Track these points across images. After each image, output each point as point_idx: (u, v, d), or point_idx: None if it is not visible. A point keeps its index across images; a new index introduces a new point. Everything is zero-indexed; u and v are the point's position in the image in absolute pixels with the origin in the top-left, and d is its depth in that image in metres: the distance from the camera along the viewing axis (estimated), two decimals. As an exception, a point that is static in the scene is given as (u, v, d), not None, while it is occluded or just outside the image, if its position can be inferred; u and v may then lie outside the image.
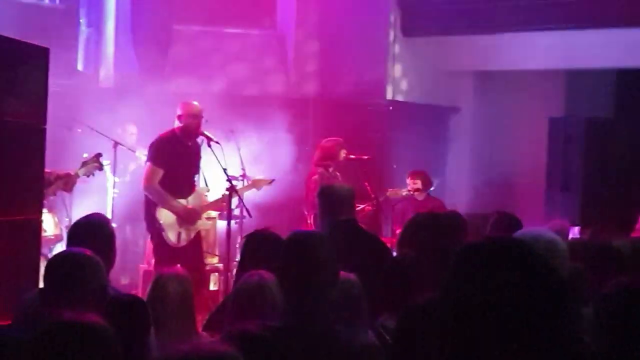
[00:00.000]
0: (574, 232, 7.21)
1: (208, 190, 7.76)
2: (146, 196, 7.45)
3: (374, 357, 3.27)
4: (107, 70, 10.44)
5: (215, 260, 8.70)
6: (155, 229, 7.36)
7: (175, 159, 7.35)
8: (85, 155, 7.48)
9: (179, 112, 7.44)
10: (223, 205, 7.87)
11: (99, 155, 7.44)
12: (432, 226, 5.26)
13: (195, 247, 7.54)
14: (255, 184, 8.15)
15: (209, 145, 7.62)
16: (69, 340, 2.50)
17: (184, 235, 7.39)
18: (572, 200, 10.71)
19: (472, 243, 1.79)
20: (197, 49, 10.91)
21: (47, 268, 3.82)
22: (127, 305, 3.62)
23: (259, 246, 4.51)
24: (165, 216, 7.33)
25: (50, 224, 8.06)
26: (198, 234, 7.59)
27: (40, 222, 6.24)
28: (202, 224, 7.67)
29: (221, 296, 8.00)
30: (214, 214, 8.70)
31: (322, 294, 3.21)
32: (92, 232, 4.41)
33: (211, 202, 7.71)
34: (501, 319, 1.68)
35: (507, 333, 1.67)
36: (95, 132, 8.80)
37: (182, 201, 7.45)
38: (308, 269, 3.22)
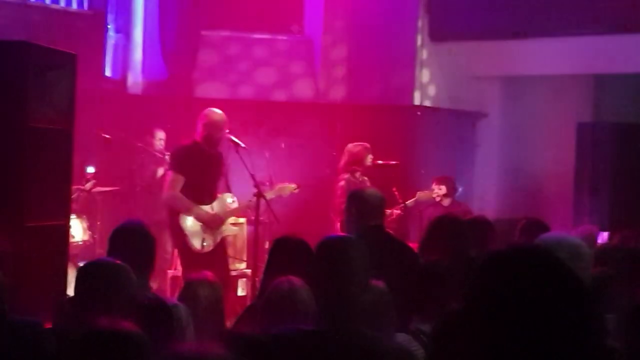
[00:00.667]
0: (603, 237, 7.15)
1: (232, 197, 7.76)
2: (168, 205, 7.48)
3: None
4: (135, 76, 10.48)
5: (242, 265, 8.71)
6: (179, 236, 7.36)
7: (197, 166, 7.34)
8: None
9: (202, 120, 7.44)
10: (247, 211, 7.87)
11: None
12: (452, 231, 5.25)
13: (220, 253, 7.53)
14: (280, 190, 8.13)
15: (237, 151, 7.63)
16: (108, 348, 2.52)
17: (208, 242, 7.38)
18: (601, 205, 10.61)
19: (497, 251, 1.78)
20: (224, 55, 10.93)
21: (79, 276, 3.85)
22: (154, 310, 3.64)
23: (286, 252, 4.51)
24: (188, 223, 7.34)
25: (78, 230, 8.10)
26: (223, 239, 7.59)
27: (67, 227, 6.28)
28: (227, 229, 7.66)
29: (249, 301, 8.00)
30: (241, 219, 8.71)
31: (354, 298, 3.21)
32: (132, 239, 4.44)
33: (235, 208, 7.70)
34: (526, 328, 1.67)
35: (532, 342, 1.66)
36: (122, 138, 8.84)
37: (206, 207, 7.45)
38: (341, 274, 3.22)
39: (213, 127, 7.39)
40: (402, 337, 3.69)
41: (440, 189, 9.32)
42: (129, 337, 2.56)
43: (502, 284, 1.71)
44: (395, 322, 3.86)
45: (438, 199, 9.26)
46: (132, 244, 4.36)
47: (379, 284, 3.88)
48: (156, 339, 3.32)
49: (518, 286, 1.70)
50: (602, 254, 4.25)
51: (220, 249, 7.54)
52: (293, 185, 8.21)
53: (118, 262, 3.79)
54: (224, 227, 7.54)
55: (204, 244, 7.35)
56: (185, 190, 7.30)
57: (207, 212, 7.40)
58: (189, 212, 7.33)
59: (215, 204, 7.51)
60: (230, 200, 7.72)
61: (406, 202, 8.70)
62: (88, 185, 8.02)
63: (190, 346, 2.58)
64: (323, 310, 3.22)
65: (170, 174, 7.40)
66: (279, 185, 8.14)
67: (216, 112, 7.48)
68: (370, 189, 6.36)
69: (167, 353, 2.09)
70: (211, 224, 7.39)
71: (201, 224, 7.33)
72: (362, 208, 5.36)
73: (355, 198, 5.46)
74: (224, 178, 7.72)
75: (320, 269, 3.29)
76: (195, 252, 7.28)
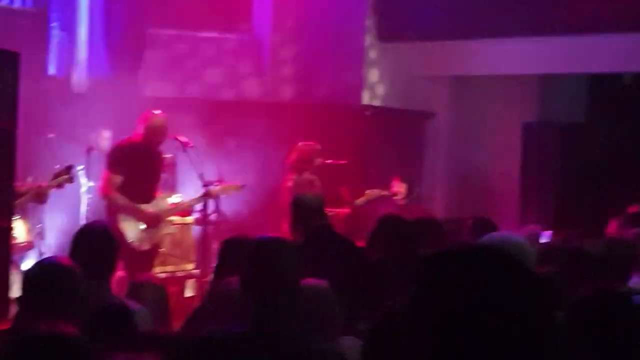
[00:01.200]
0: (547, 236, 7.25)
1: (171, 196, 7.78)
2: (105, 204, 7.48)
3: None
4: (79, 74, 10.32)
5: (191, 266, 8.64)
6: (119, 233, 7.31)
7: (134, 165, 7.35)
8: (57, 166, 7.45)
9: (143, 122, 7.42)
10: (187, 209, 7.89)
11: (70, 167, 7.45)
12: (397, 230, 5.30)
13: (156, 252, 7.58)
14: (224, 190, 8.07)
15: (185, 151, 7.61)
16: (44, 353, 2.45)
17: (146, 239, 7.36)
18: (546, 204, 10.76)
19: (438, 251, 1.75)
20: (171, 53, 10.84)
21: (24, 278, 3.77)
22: (114, 314, 3.57)
23: (235, 252, 4.47)
24: (126, 221, 7.31)
25: (21, 231, 7.96)
26: (159, 240, 7.61)
27: (10, 229, 6.15)
28: (166, 228, 7.66)
29: (197, 302, 7.94)
30: (189, 219, 8.65)
31: (285, 299, 3.18)
32: (95, 241, 4.36)
33: (174, 206, 7.70)
34: (470, 326, 1.63)
35: (476, 341, 1.63)
36: (68, 137, 8.72)
37: (144, 206, 7.44)
38: (269, 275, 3.20)
39: (153, 131, 7.43)
40: (348, 340, 3.68)
41: (400, 187, 9.35)
42: (68, 343, 2.48)
43: (445, 282, 1.68)
44: (340, 322, 3.84)
45: (393, 195, 9.27)
46: (93, 247, 4.28)
47: (320, 282, 3.85)
48: (116, 343, 3.26)
49: (461, 284, 1.66)
50: (545, 253, 4.30)
51: (157, 248, 7.55)
52: (237, 185, 8.19)
53: (66, 262, 3.71)
54: (163, 226, 7.53)
55: (143, 242, 7.33)
56: (122, 189, 7.29)
57: (145, 210, 7.40)
58: (127, 210, 7.28)
59: (154, 203, 7.49)
60: (168, 199, 7.72)
61: (355, 201, 8.70)
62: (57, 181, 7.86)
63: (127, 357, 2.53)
64: (255, 312, 3.19)
65: (107, 173, 7.39)
66: (223, 185, 8.09)
67: (156, 116, 7.47)
68: (309, 192, 6.47)
69: None
70: (150, 222, 7.38)
71: (140, 222, 7.30)
72: (304, 211, 5.50)
73: (296, 204, 5.62)
74: (169, 177, 7.71)
75: (251, 270, 3.26)
76: (133, 249, 7.24)
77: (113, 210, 7.36)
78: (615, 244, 5.26)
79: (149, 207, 7.46)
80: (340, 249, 5.43)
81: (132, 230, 7.33)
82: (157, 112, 7.52)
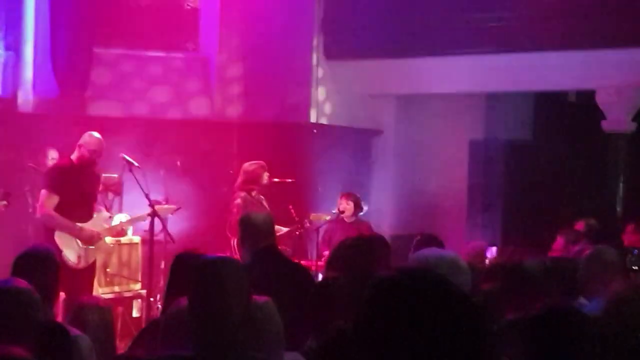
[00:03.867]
0: (492, 252, 7.33)
1: (110, 217, 7.79)
2: (42, 223, 7.53)
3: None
4: (25, 94, 10.24)
5: (137, 286, 8.58)
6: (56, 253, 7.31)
7: (71, 185, 7.42)
8: None
9: (80, 141, 7.48)
10: (121, 231, 7.92)
11: (6, 193, 7.79)
12: (360, 250, 5.32)
13: (90, 272, 7.59)
14: (161, 211, 8.03)
15: (131, 170, 7.62)
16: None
17: (83, 257, 7.42)
18: (493, 221, 10.88)
19: (383, 275, 1.80)
20: (118, 73, 10.79)
21: None
22: (54, 339, 3.54)
23: (184, 271, 4.46)
24: (63, 239, 7.35)
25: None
26: (95, 260, 7.64)
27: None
28: (103, 246, 7.67)
29: (144, 322, 7.89)
30: (136, 239, 8.61)
31: (232, 321, 3.17)
32: (37, 264, 4.31)
33: (110, 227, 7.72)
34: (413, 347, 1.69)
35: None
36: (13, 157, 8.64)
37: (81, 225, 7.49)
38: (215, 297, 3.18)
39: (89, 151, 7.46)
40: (291, 355, 3.69)
41: (348, 204, 9.39)
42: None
43: (388, 306, 1.74)
44: (283, 340, 3.84)
45: (340, 213, 9.31)
46: (36, 269, 4.24)
47: (264, 299, 3.86)
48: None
49: (404, 308, 1.72)
50: (490, 270, 4.37)
51: (93, 267, 7.61)
52: (173, 207, 8.24)
53: (22, 285, 3.67)
54: (100, 244, 7.55)
55: (81, 260, 7.36)
56: (60, 208, 7.36)
57: (82, 228, 7.46)
58: (64, 228, 7.38)
59: (89, 223, 7.57)
60: (106, 219, 7.72)
61: (301, 223, 8.73)
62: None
63: None
64: (201, 333, 3.18)
65: (44, 192, 7.46)
66: (157, 207, 8.04)
67: (95, 137, 7.55)
68: (258, 211, 6.46)
69: None
70: (87, 240, 7.46)
71: (77, 240, 7.31)
72: (252, 231, 5.48)
73: (244, 222, 5.59)
74: (115, 196, 7.72)
75: (196, 291, 3.25)
76: (71, 268, 7.23)
77: (50, 228, 7.41)
78: (557, 261, 5.35)
79: (86, 226, 7.49)
80: (286, 269, 5.44)
81: (68, 248, 7.36)
82: (94, 133, 7.54)
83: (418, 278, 1.78)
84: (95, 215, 7.64)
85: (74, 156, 7.53)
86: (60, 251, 7.21)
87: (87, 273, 7.48)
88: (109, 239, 8.03)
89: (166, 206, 8.17)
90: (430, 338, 1.69)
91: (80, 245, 7.43)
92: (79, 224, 7.45)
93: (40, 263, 4.34)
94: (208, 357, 3.13)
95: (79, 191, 7.46)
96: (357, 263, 5.08)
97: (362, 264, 5.07)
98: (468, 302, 1.77)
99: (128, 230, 8.44)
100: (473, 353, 1.71)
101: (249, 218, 5.69)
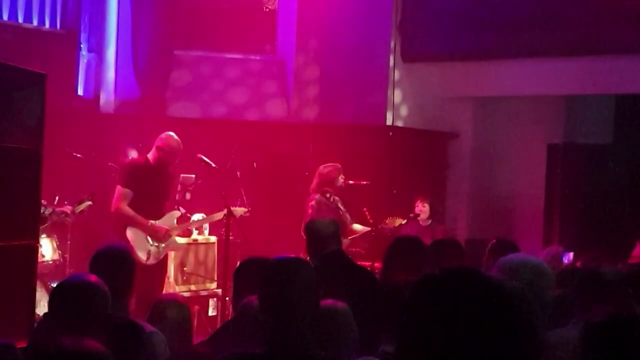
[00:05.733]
0: (569, 258, 7.24)
1: (181, 215, 7.92)
2: (113, 217, 7.66)
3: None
4: (107, 95, 10.47)
5: (213, 285, 8.70)
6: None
7: (144, 183, 7.56)
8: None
9: (157, 142, 7.60)
10: (187, 230, 8.04)
11: (92, 194, 7.88)
12: (412, 252, 5.32)
13: (161, 268, 7.71)
14: (231, 213, 8.08)
15: (208, 171, 7.74)
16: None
17: (153, 254, 7.50)
18: (570, 226, 10.71)
19: (428, 275, 1.79)
20: (197, 75, 10.95)
21: (52, 295, 3.85)
22: (127, 335, 3.63)
23: (251, 273, 4.51)
24: (135, 235, 7.47)
25: (48, 250, 8.07)
26: (166, 256, 7.76)
27: (36, 247, 6.25)
28: (173, 243, 7.77)
29: (219, 321, 7.99)
30: (212, 239, 8.73)
31: (302, 320, 3.20)
32: (113, 262, 4.42)
33: (179, 225, 7.84)
34: (459, 350, 1.67)
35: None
36: (95, 157, 8.83)
37: (152, 222, 7.64)
38: (286, 295, 3.22)
39: (166, 152, 7.59)
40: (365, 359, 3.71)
41: (424, 206, 9.39)
42: (91, 356, 2.54)
43: (433, 308, 1.72)
44: (356, 344, 3.86)
45: (421, 218, 9.33)
46: (112, 267, 4.35)
47: (337, 303, 3.88)
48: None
49: (447, 308, 1.70)
50: (564, 276, 4.32)
51: (162, 264, 7.74)
52: (244, 209, 8.30)
53: (93, 280, 3.78)
54: (169, 241, 7.66)
55: (150, 256, 7.46)
56: (132, 205, 7.51)
57: (153, 225, 7.57)
58: (135, 224, 7.51)
59: (161, 221, 7.70)
60: (176, 218, 7.86)
61: (377, 226, 8.73)
62: (81, 207, 7.97)
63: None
64: (272, 332, 3.22)
65: (119, 188, 7.61)
66: (230, 209, 8.09)
67: (173, 139, 7.67)
68: (324, 218, 6.51)
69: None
70: (158, 237, 7.57)
71: (147, 236, 7.42)
72: (317, 237, 5.53)
73: (310, 228, 5.65)
74: (193, 196, 7.87)
75: (268, 290, 3.29)
76: (140, 264, 7.36)
77: (122, 223, 7.56)
78: (635, 268, 5.25)
79: (157, 223, 7.61)
80: (353, 274, 5.47)
81: (139, 244, 7.49)
82: (172, 134, 7.67)
83: (463, 276, 1.75)
84: (167, 214, 7.78)
85: (150, 155, 7.68)
86: (132, 247, 7.37)
87: (157, 270, 7.60)
88: (180, 239, 8.16)
89: (239, 209, 8.24)
90: (470, 337, 1.67)
91: (150, 242, 7.57)
92: (150, 221, 7.60)
93: (115, 261, 4.45)
94: (278, 355, 3.16)
95: (151, 189, 7.60)
96: (414, 265, 5.09)
97: (420, 266, 5.07)
98: (511, 301, 1.73)
99: (193, 230, 8.55)
100: (516, 354, 1.69)
101: (313, 224, 5.76)
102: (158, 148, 7.63)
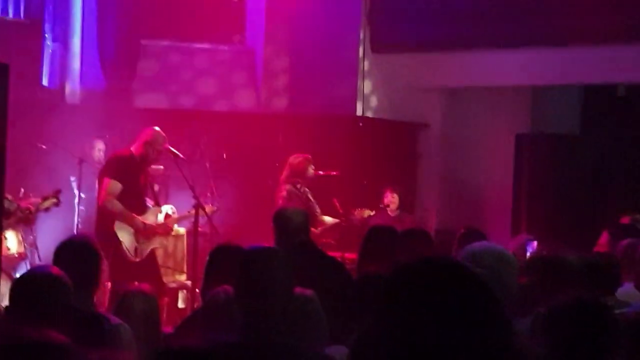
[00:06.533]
0: (532, 247, 7.28)
1: (160, 211, 7.81)
2: (101, 211, 7.48)
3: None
4: (73, 86, 10.35)
5: (183, 277, 8.64)
6: (112, 243, 7.31)
7: (131, 177, 7.45)
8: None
9: (143, 136, 7.48)
10: (168, 228, 7.91)
11: (57, 191, 7.69)
12: (387, 242, 5.33)
13: (151, 263, 7.62)
14: (201, 205, 8.04)
15: (176, 162, 7.66)
16: (28, 358, 2.46)
17: (141, 250, 7.45)
18: (539, 215, 10.76)
19: (404, 264, 1.79)
20: (165, 65, 10.86)
21: (12, 287, 3.80)
22: (91, 327, 3.58)
23: (223, 261, 4.48)
24: (123, 230, 7.34)
25: (13, 242, 7.98)
26: (152, 250, 7.65)
27: (0, 239, 6.17)
28: (158, 239, 7.70)
29: (189, 313, 7.94)
30: (181, 230, 8.67)
31: (277, 309, 3.20)
32: (77, 254, 4.35)
33: (162, 223, 7.71)
34: (433, 340, 1.68)
35: (437, 352, 1.68)
36: (60, 148, 8.73)
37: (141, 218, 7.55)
38: (262, 284, 3.22)
39: (153, 148, 7.45)
40: (336, 349, 3.70)
41: (393, 197, 9.40)
42: (55, 349, 2.50)
43: (409, 296, 1.73)
44: (326, 332, 3.86)
45: (390, 208, 9.34)
46: (75, 259, 4.28)
47: (307, 292, 3.87)
48: (90, 355, 3.26)
49: (426, 298, 1.71)
50: (531, 264, 4.36)
51: (151, 259, 7.59)
52: (213, 208, 8.20)
53: (54, 272, 3.73)
54: (155, 238, 7.58)
55: (137, 252, 7.37)
56: (120, 198, 7.36)
57: (141, 221, 7.46)
58: (125, 218, 7.34)
59: (146, 215, 7.63)
60: (158, 213, 7.76)
61: (347, 218, 8.73)
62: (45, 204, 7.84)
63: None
64: (246, 321, 3.20)
65: (108, 180, 7.42)
66: (208, 208, 8.02)
67: (159, 134, 7.53)
68: (293, 208, 6.49)
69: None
70: (144, 233, 7.47)
71: (135, 232, 7.34)
72: (286, 226, 5.52)
73: (279, 217, 5.64)
74: (161, 188, 7.80)
75: (244, 279, 3.27)
76: (127, 261, 7.28)
77: (110, 217, 7.39)
78: (599, 256, 5.30)
79: (144, 218, 7.52)
80: (322, 264, 5.47)
81: (128, 239, 7.38)
82: (159, 130, 7.58)
83: (436, 265, 1.77)
84: (150, 209, 7.69)
85: (134, 149, 7.52)
86: (120, 242, 7.28)
87: (144, 266, 7.45)
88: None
89: (207, 208, 8.12)
90: (444, 324, 1.68)
91: (137, 237, 7.45)
92: (137, 216, 7.50)
93: (78, 252, 4.38)
94: (253, 344, 3.14)
95: (137, 183, 7.50)
96: (388, 255, 5.09)
97: (394, 257, 5.08)
98: (485, 290, 1.75)
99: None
100: (489, 341, 1.70)
101: (282, 213, 5.75)
102: (146, 143, 7.49)
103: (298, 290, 3.73)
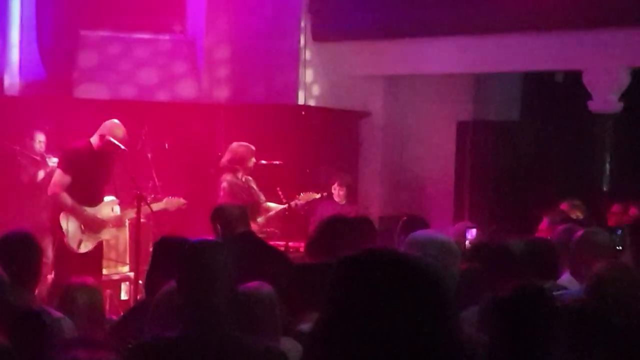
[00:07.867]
0: (472, 234, 7.38)
1: (117, 203, 7.77)
2: (52, 202, 7.54)
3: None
4: (11, 77, 10.20)
5: (125, 268, 8.58)
6: (57, 234, 7.44)
7: (85, 169, 7.44)
8: None
9: (103, 130, 7.43)
10: (121, 222, 7.87)
11: None
12: (343, 231, 5.34)
13: (95, 257, 7.60)
14: (168, 203, 8.09)
15: (117, 154, 7.61)
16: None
17: (86, 243, 7.43)
18: (480, 202, 10.89)
19: (348, 257, 1.81)
20: (105, 55, 10.75)
21: None
22: (32, 322, 3.55)
23: (167, 253, 4.47)
24: (68, 222, 7.35)
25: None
26: (100, 244, 7.64)
27: None
28: (107, 233, 7.67)
29: (132, 304, 7.90)
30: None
31: (221, 301, 3.21)
32: (16, 249, 4.30)
33: (117, 216, 7.70)
34: (379, 330, 1.71)
35: (385, 343, 1.70)
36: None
37: (90, 209, 7.44)
38: (203, 278, 3.22)
39: (110, 143, 7.40)
40: (286, 341, 3.73)
41: (342, 190, 9.51)
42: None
43: (354, 288, 1.75)
44: (279, 325, 3.87)
45: (338, 198, 9.46)
46: (13, 254, 4.24)
47: (263, 287, 3.88)
48: (31, 351, 3.24)
49: (370, 290, 1.73)
50: (472, 251, 4.41)
51: (96, 252, 7.56)
52: (182, 200, 8.20)
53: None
54: (103, 231, 7.56)
55: (82, 245, 7.33)
56: (71, 190, 7.38)
57: (89, 214, 7.45)
58: (71, 211, 7.40)
59: (98, 207, 7.58)
60: (114, 205, 7.72)
61: (290, 203, 8.73)
62: None
63: None
64: (188, 315, 3.21)
65: (59, 172, 7.49)
66: (167, 199, 8.11)
67: (120, 128, 7.49)
68: (229, 203, 6.57)
69: None
70: (92, 226, 7.42)
71: (81, 225, 7.29)
72: (224, 222, 5.59)
73: (217, 215, 5.71)
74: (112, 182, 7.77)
75: (185, 273, 3.28)
76: (71, 252, 7.26)
77: (57, 209, 7.44)
78: (539, 242, 5.39)
79: (93, 211, 7.49)
80: (263, 254, 5.51)
81: (73, 231, 7.36)
82: (118, 123, 7.54)
83: (379, 256, 1.79)
84: (104, 202, 7.68)
85: (94, 141, 7.49)
86: (63, 234, 7.28)
87: (88, 259, 7.44)
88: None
89: (175, 200, 8.11)
90: (389, 314, 1.71)
91: (83, 230, 7.45)
92: (88, 209, 7.48)
93: (17, 248, 4.33)
94: (195, 338, 3.15)
95: (91, 175, 7.48)
96: (341, 246, 5.11)
97: (345, 248, 5.10)
98: (430, 282, 1.77)
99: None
100: (434, 330, 1.72)
101: (221, 210, 5.86)
102: (102, 137, 7.45)
103: (255, 284, 3.76)
